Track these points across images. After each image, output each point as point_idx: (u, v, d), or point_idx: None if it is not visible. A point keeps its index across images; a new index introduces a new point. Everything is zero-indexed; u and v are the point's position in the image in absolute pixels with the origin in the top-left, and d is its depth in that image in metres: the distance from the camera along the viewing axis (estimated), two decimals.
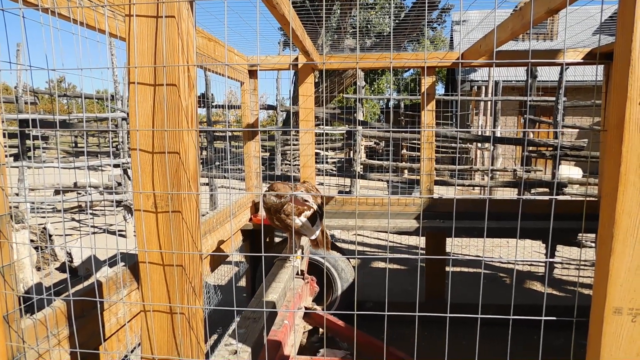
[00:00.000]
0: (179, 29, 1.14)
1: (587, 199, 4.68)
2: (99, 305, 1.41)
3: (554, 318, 1.12)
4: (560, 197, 5.83)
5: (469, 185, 7.14)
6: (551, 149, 6.26)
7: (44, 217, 6.87)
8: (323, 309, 3.61)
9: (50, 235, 5.47)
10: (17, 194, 7.12)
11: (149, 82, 1.17)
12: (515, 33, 2.72)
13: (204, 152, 7.98)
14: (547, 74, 12.29)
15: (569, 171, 7.98)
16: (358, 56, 3.16)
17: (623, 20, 1.01)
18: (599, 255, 1.10)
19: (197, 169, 1.24)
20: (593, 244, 5.64)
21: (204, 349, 1.33)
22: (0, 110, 1.38)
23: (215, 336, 3.88)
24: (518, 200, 4.28)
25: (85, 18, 1.85)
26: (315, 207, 2.69)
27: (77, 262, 5.12)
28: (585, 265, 5.60)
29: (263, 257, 1.28)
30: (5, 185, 1.41)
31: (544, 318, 1.16)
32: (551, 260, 3.15)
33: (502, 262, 5.83)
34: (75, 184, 7.57)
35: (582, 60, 3.53)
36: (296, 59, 3.97)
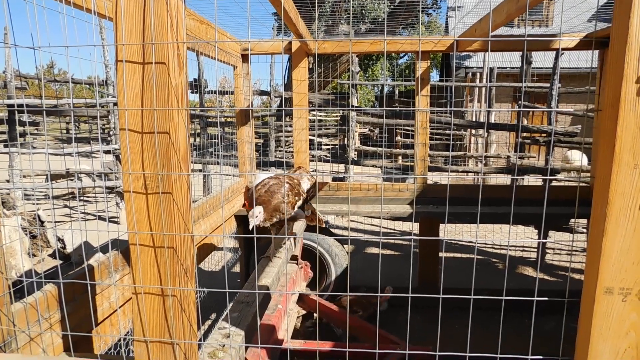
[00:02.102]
0: (167, 5, 1.11)
1: (580, 184, 4.71)
2: (89, 288, 1.39)
3: (546, 299, 1.13)
4: (555, 181, 5.86)
5: (462, 172, 7.16)
6: (545, 135, 6.28)
7: (35, 204, 6.81)
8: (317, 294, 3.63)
9: (42, 222, 5.43)
10: (7, 181, 7.04)
11: (138, 60, 1.14)
12: (510, 16, 2.70)
13: (197, 139, 7.92)
14: (541, 60, 12.26)
15: (580, 156, 7.88)
16: (351, 39, 3.12)
17: None
18: (592, 235, 1.10)
19: (187, 149, 1.22)
20: (585, 230, 5.70)
21: (196, 332, 1.33)
22: None
23: (209, 322, 3.89)
24: (511, 185, 4.30)
25: None
26: (304, 194, 2.63)
27: (69, 248, 5.10)
28: (576, 250, 5.66)
29: (255, 238, 1.27)
30: None
31: (535, 299, 1.16)
32: (544, 241, 3.18)
33: (494, 248, 5.88)
34: (67, 170, 7.50)
35: (578, 39, 3.50)
36: (290, 43, 3.91)
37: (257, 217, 2.37)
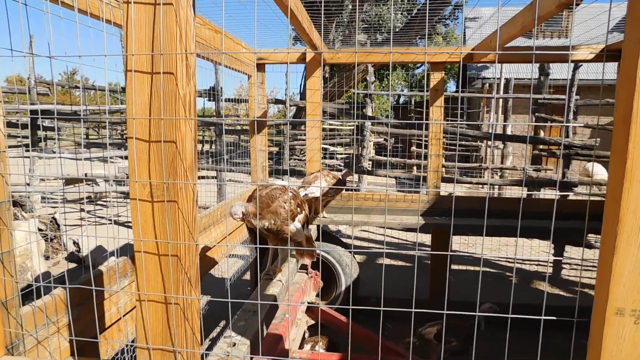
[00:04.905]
0: (177, 17, 1.13)
1: (593, 198, 4.60)
2: (94, 294, 1.41)
3: (554, 318, 1.09)
4: (573, 194, 5.74)
5: (476, 183, 7.07)
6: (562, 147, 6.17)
7: (54, 207, 6.95)
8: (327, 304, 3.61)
9: (58, 225, 5.53)
10: (28, 184, 7.22)
11: (146, 70, 1.15)
12: (525, 28, 2.67)
13: (208, 146, 8.00)
14: (559, 71, 12.09)
15: (600, 169, 7.63)
16: (356, 50, 3.13)
17: (633, 10, 0.98)
18: (602, 253, 1.07)
19: (194, 158, 1.23)
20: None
21: (199, 340, 1.33)
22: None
23: (218, 329, 3.89)
24: (526, 198, 4.22)
25: (89, 7, 1.85)
26: (307, 211, 2.48)
27: (84, 251, 5.17)
28: (592, 266, 5.52)
29: (271, 249, 1.26)
30: (5, 172, 1.41)
31: (543, 317, 1.13)
32: (551, 258, 3.10)
33: (509, 261, 5.77)
34: (85, 175, 7.65)
35: (589, 52, 3.45)
36: (304, 52, 3.94)
37: (238, 212, 2.08)
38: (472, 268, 5.52)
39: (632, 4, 0.98)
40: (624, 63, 1.00)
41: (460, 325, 2.82)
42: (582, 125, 6.26)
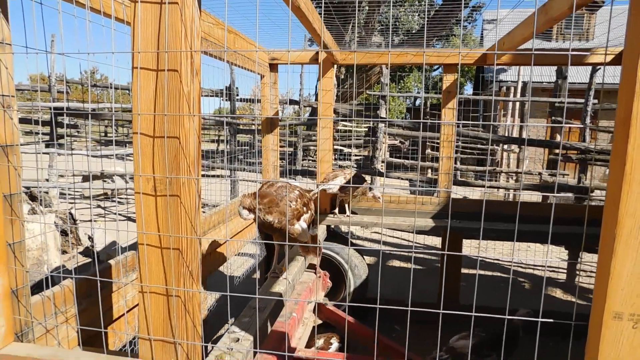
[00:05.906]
0: (182, 15, 1.16)
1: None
2: (98, 285, 1.44)
3: (551, 320, 1.09)
4: (588, 200, 5.63)
5: (490, 187, 6.99)
6: (577, 152, 6.06)
7: (71, 203, 7.10)
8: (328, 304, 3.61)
9: (75, 221, 5.65)
10: (47, 180, 7.40)
11: (152, 67, 1.19)
12: (538, 29, 2.65)
13: (221, 145, 8.06)
14: (576, 75, 11.85)
15: None
16: (355, 50, 3.13)
17: (634, 13, 0.97)
18: (600, 257, 1.06)
19: (197, 154, 1.25)
20: None
21: (200, 333, 1.35)
22: (12, 94, 1.43)
23: (227, 325, 3.93)
24: (540, 203, 4.16)
25: (103, 6, 1.90)
26: (312, 211, 2.46)
27: (99, 246, 5.28)
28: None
29: (277, 245, 1.28)
30: (18, 165, 1.46)
31: (540, 320, 1.12)
32: (551, 265, 3.07)
33: (521, 267, 5.69)
34: (102, 172, 7.80)
35: (589, 54, 3.39)
36: (316, 53, 3.96)
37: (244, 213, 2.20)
38: (483, 272, 5.46)
39: (635, 7, 0.97)
40: (625, 65, 0.99)
41: (499, 335, 2.61)
42: (581, 125, 6.14)
